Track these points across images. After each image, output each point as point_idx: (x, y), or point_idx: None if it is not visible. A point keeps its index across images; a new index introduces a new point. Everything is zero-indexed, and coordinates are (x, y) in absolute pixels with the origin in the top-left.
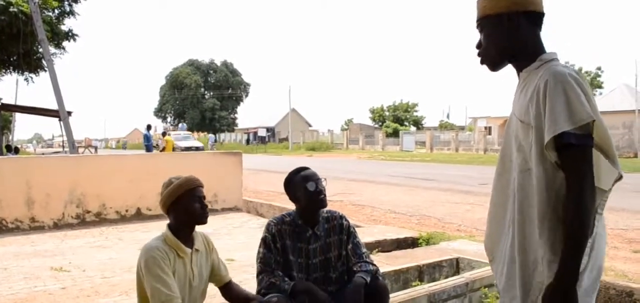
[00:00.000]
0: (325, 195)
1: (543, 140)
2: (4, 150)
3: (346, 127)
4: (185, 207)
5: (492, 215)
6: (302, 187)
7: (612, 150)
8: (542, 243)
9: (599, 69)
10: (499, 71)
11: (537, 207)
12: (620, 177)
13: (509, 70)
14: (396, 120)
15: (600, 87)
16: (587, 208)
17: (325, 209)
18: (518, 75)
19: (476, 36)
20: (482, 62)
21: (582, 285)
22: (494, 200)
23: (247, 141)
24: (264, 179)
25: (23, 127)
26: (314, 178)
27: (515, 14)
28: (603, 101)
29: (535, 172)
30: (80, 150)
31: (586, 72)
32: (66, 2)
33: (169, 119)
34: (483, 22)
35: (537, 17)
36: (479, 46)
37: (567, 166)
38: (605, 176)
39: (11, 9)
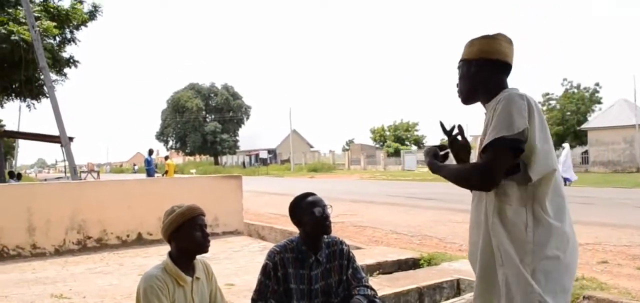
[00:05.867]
0: (330, 222)
1: None
2: (7, 176)
3: (347, 147)
4: (187, 236)
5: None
6: (309, 211)
7: (533, 158)
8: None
9: (597, 84)
10: (469, 105)
11: (484, 227)
12: (553, 170)
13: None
14: (397, 140)
15: (599, 102)
16: (463, 179)
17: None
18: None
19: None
20: (458, 96)
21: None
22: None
23: (244, 164)
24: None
25: (26, 153)
26: (321, 204)
27: (483, 61)
28: (602, 117)
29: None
30: (83, 175)
31: (585, 88)
32: (67, 30)
33: (170, 143)
34: (460, 64)
35: (503, 66)
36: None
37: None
38: (536, 166)
39: (13, 37)
